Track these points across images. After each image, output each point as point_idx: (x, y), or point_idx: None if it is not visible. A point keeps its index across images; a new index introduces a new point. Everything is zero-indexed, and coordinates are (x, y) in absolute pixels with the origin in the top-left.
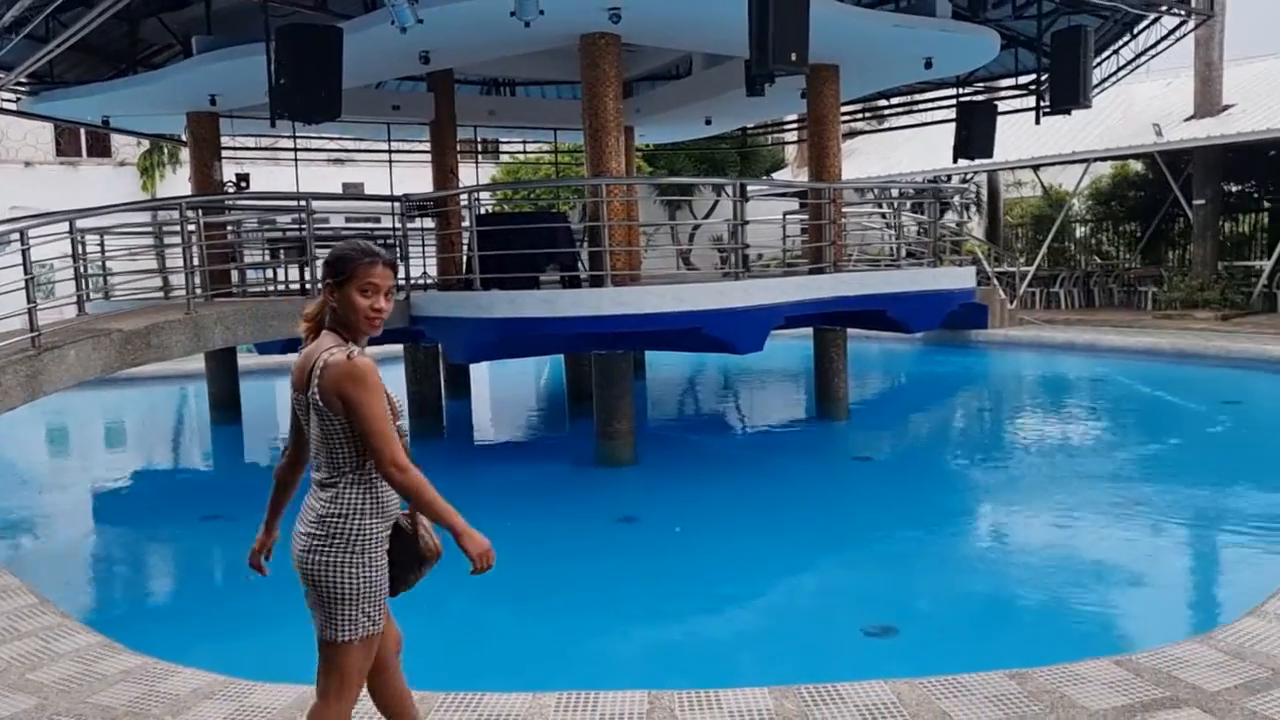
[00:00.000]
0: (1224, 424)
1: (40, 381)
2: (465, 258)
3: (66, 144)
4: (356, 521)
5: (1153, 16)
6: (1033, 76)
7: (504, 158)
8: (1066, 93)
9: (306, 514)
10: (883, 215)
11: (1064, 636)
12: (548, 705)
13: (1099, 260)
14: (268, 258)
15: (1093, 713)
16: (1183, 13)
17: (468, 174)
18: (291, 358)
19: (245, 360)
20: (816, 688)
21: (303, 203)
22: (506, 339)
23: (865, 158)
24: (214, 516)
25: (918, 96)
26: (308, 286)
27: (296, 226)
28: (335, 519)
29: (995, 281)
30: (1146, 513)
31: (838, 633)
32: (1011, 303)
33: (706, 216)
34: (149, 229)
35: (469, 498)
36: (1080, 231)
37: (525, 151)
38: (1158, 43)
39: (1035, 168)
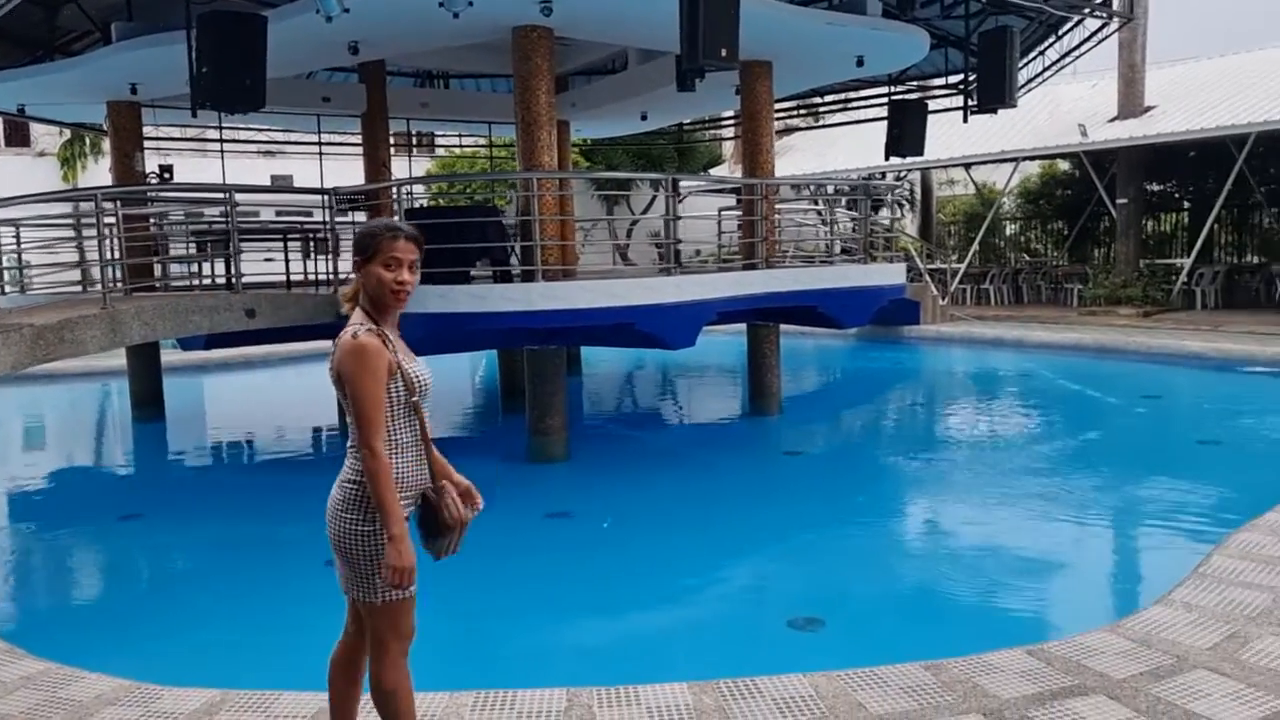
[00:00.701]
0: (1141, 418)
1: None
2: None
3: None
4: (366, 490)
5: (1076, 19)
6: (962, 76)
7: (440, 151)
8: (993, 92)
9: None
10: (818, 212)
11: (983, 627)
12: (464, 704)
13: (1028, 258)
14: (193, 251)
15: (1004, 701)
16: (1104, 15)
17: (401, 167)
18: (215, 354)
19: (170, 357)
20: (735, 682)
21: (226, 195)
22: (436, 334)
23: (802, 154)
24: (132, 516)
25: (853, 94)
26: (234, 281)
27: (222, 219)
28: (351, 484)
29: (928, 278)
30: (1064, 505)
31: (764, 626)
32: (943, 299)
33: (644, 212)
34: (68, 221)
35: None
36: (1010, 229)
37: (461, 146)
38: (1081, 44)
39: (967, 166)
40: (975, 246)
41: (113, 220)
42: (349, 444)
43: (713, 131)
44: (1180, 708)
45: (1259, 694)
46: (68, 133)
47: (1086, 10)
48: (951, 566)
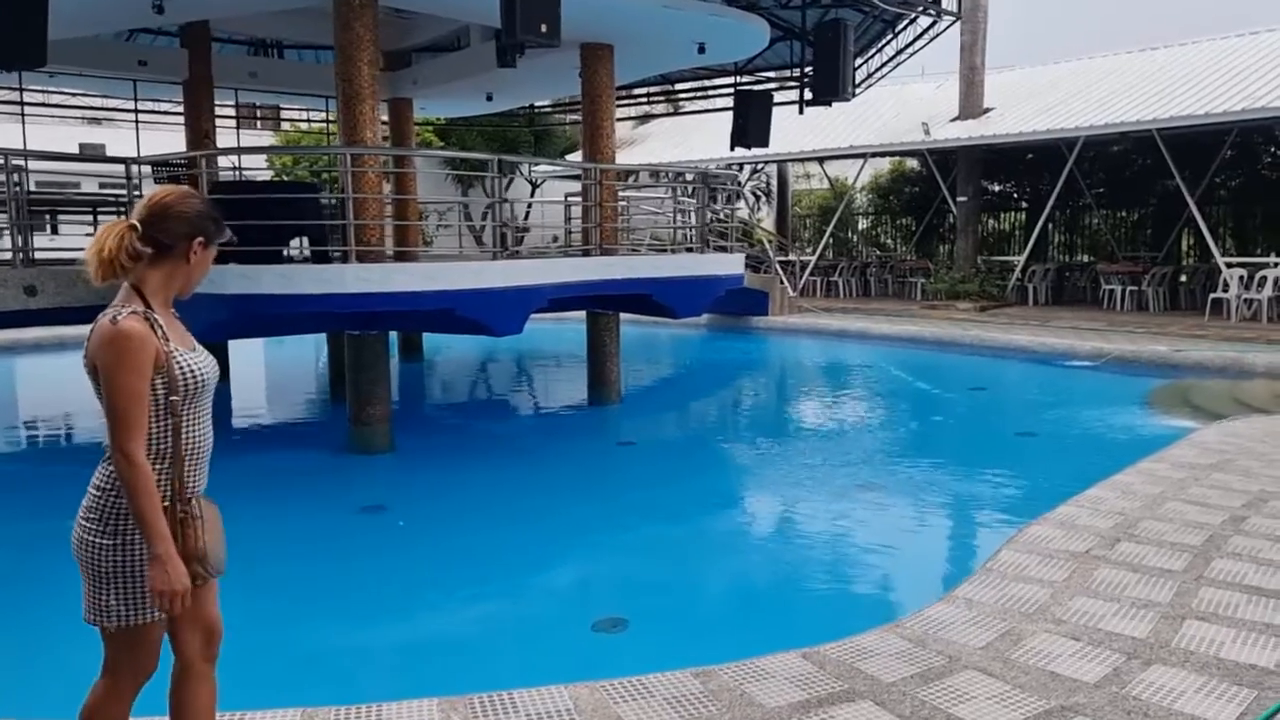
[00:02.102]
0: (966, 409)
1: None
2: None
3: None
4: (113, 499)
5: (911, 16)
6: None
7: (285, 126)
8: (827, 85)
9: None
10: (674, 201)
11: (774, 626)
12: None
13: (878, 252)
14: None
15: (768, 710)
16: (934, 13)
17: (234, 140)
18: (27, 334)
19: None
20: (489, 696)
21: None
22: (242, 316)
23: (659, 142)
24: None
25: (709, 84)
26: (16, 255)
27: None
28: (97, 491)
29: (778, 270)
30: (877, 498)
31: (567, 629)
32: (793, 291)
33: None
34: None
35: (210, 486)
36: (863, 224)
37: (310, 121)
38: (913, 41)
39: (820, 160)
40: (825, 240)
41: None
42: (105, 446)
43: (567, 116)
44: (944, 712)
45: (1022, 695)
46: None
47: (920, 8)
48: (760, 561)
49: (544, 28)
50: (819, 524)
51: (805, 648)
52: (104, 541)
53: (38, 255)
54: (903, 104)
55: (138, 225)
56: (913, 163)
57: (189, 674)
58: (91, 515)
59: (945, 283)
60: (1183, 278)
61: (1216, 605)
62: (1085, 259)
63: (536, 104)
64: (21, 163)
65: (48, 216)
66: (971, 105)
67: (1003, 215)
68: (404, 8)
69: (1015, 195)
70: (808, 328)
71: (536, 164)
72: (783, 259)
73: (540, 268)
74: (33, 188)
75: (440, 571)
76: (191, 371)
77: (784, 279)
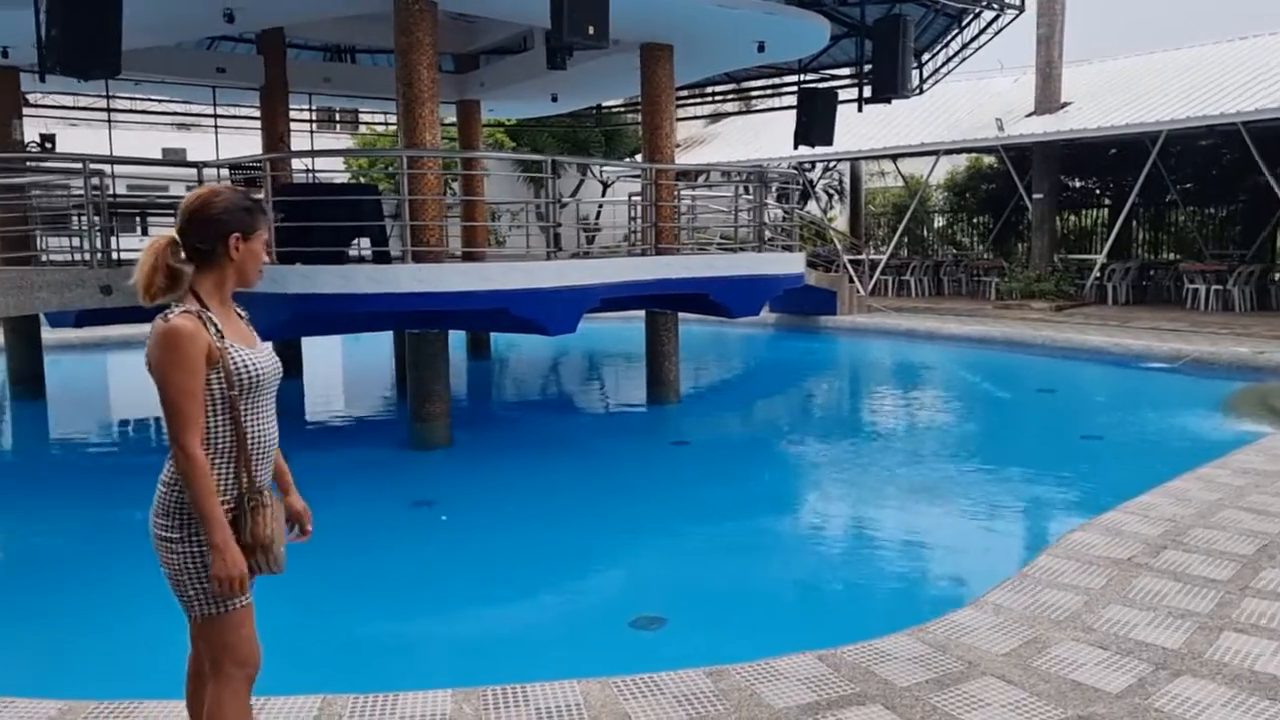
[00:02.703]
0: (1031, 411)
1: None
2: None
3: None
4: (177, 494)
5: (975, 10)
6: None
7: (362, 129)
8: (886, 81)
9: None
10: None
11: (806, 626)
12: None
13: (954, 250)
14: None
15: (776, 711)
16: (998, 7)
17: (311, 143)
18: (115, 331)
19: (68, 333)
20: (503, 689)
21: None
22: (303, 316)
23: (729, 140)
24: None
25: (776, 80)
26: (95, 256)
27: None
28: (163, 488)
29: (849, 268)
30: (930, 500)
31: (605, 625)
32: (863, 290)
33: (572, 195)
34: None
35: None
36: (939, 222)
37: (386, 124)
38: (979, 35)
39: (895, 158)
40: (897, 238)
41: None
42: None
43: (635, 115)
44: (954, 718)
45: (1039, 703)
46: None
47: (983, 2)
48: (800, 562)
49: (592, 29)
50: (866, 526)
51: (822, 649)
52: (173, 535)
53: (127, 256)
54: (978, 99)
55: (177, 238)
56: (990, 159)
57: (226, 681)
58: (160, 511)
59: (1020, 282)
60: (1276, 277)
61: (1259, 617)
62: (1171, 257)
63: (606, 104)
64: (101, 167)
65: (137, 219)
66: (1048, 100)
67: (1084, 212)
68: (462, 11)
69: (1097, 191)
70: (876, 327)
71: (591, 164)
72: (853, 257)
73: (593, 267)
74: (123, 191)
75: (484, 566)
76: (247, 367)
77: (854, 278)
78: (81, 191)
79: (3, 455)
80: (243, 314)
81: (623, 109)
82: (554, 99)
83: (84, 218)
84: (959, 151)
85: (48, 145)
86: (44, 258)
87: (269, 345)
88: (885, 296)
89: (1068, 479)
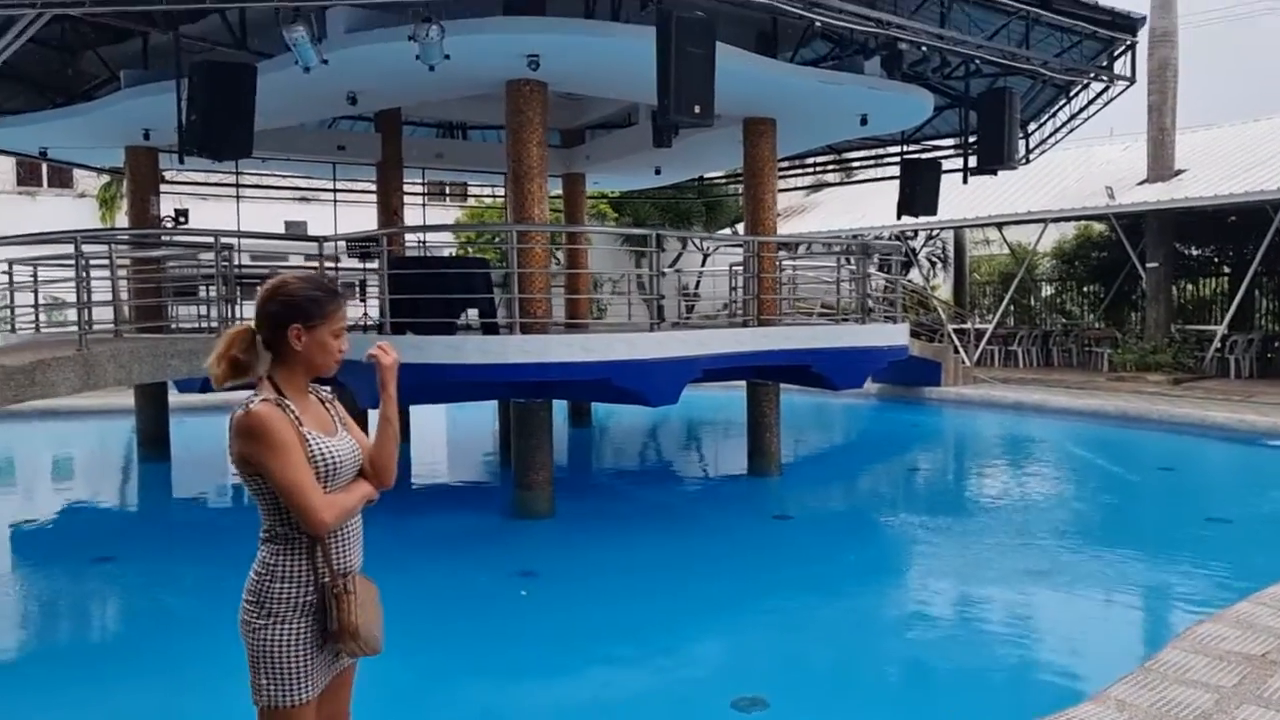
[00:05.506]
0: (1150, 491)
1: None
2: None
3: (27, 174)
4: (268, 584)
5: (1083, 82)
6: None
7: (471, 201)
8: (993, 153)
9: None
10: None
11: (914, 714)
12: None
13: (1063, 320)
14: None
15: None
16: (1107, 79)
17: (422, 216)
18: (236, 395)
19: (192, 397)
20: None
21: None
22: (412, 385)
23: (831, 209)
24: (106, 559)
25: (879, 151)
26: (214, 325)
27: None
28: (254, 575)
29: (954, 338)
30: (1045, 586)
31: (705, 705)
32: (968, 360)
33: (672, 265)
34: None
35: (382, 545)
36: (1047, 291)
37: (494, 197)
38: (1087, 105)
39: (1000, 226)
40: (1004, 306)
41: (105, 263)
42: (261, 529)
43: (736, 186)
44: None
45: None
46: (106, 175)
47: (1091, 75)
48: (911, 647)
49: (698, 109)
50: (974, 610)
51: None
52: (258, 622)
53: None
54: (1087, 167)
55: (254, 328)
56: (1100, 227)
57: None
58: (249, 597)
59: (1134, 353)
60: None
61: None
62: None
63: (707, 175)
64: (230, 241)
65: (257, 289)
66: (1161, 167)
67: (1201, 281)
68: (571, 90)
69: (1215, 260)
70: (981, 399)
71: (692, 237)
72: (958, 326)
73: (695, 339)
74: (248, 261)
75: (582, 639)
76: (325, 456)
77: (959, 348)
78: (211, 263)
79: (129, 513)
80: (328, 398)
81: (724, 180)
82: (657, 171)
83: (213, 289)
84: (1066, 220)
85: (181, 220)
86: (173, 325)
87: (348, 435)
88: (991, 367)
89: (1193, 565)
